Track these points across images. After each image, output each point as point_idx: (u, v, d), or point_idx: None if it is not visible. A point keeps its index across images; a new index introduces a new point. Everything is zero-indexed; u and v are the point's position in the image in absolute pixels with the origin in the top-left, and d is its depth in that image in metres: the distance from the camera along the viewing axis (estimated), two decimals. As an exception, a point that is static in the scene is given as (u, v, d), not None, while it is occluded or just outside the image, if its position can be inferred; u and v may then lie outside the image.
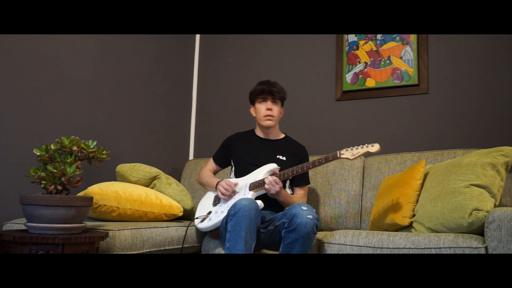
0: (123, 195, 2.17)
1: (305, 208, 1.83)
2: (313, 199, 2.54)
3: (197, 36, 3.50)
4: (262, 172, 2.17)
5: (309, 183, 2.34)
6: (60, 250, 1.62)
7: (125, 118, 2.88)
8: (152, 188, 2.48)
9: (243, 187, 2.17)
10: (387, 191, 2.19)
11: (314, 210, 1.85)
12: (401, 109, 2.75)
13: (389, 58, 2.79)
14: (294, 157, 2.31)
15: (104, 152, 1.85)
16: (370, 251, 1.80)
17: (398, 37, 2.79)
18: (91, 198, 1.80)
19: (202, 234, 2.26)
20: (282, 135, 2.42)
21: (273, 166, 2.19)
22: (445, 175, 1.95)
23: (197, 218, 2.22)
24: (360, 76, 2.86)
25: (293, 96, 3.00)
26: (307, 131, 2.93)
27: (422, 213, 1.92)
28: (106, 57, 2.77)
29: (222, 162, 2.45)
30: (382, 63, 2.81)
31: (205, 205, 2.28)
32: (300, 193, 2.29)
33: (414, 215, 1.99)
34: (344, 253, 1.85)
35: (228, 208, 1.92)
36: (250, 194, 2.10)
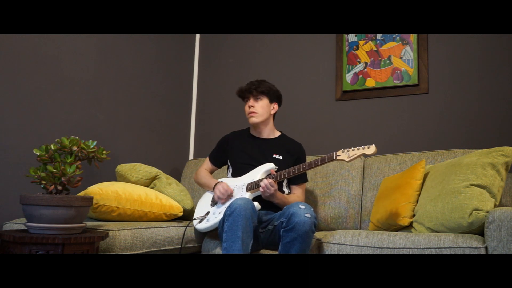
0: (123, 195, 2.17)
1: (303, 206, 1.83)
2: (313, 199, 2.54)
3: (197, 36, 3.50)
4: (260, 172, 2.17)
5: (306, 181, 2.34)
6: (60, 250, 1.62)
7: (125, 118, 2.88)
8: (152, 188, 2.48)
9: (241, 188, 2.17)
10: (387, 191, 2.19)
11: (312, 209, 1.85)
12: (401, 109, 2.75)
13: (389, 58, 2.79)
14: (290, 155, 2.29)
15: (104, 152, 1.85)
16: (370, 251, 1.80)
17: (398, 37, 2.79)
18: (91, 198, 1.80)
19: (202, 234, 2.26)
20: (278, 133, 2.40)
21: (270, 166, 2.19)
22: (445, 175, 1.95)
23: (195, 219, 2.22)
24: (360, 76, 2.86)
25: (293, 96, 3.00)
26: (307, 131, 2.93)
27: (422, 213, 1.92)
28: (106, 57, 2.77)
29: (218, 162, 2.45)
30: (382, 63, 2.81)
31: (203, 205, 2.28)
32: (297, 192, 2.28)
33: (414, 215, 1.99)
34: (344, 253, 1.85)
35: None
36: (248, 195, 2.10)
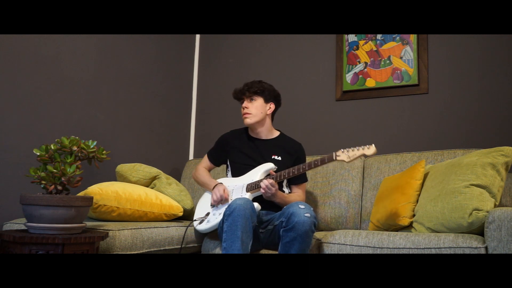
0: (123, 195, 2.17)
1: (302, 206, 1.83)
2: (313, 199, 2.54)
3: (197, 36, 3.50)
4: (259, 173, 2.17)
5: (306, 180, 2.33)
6: (60, 250, 1.62)
7: (125, 118, 2.88)
8: (152, 188, 2.48)
9: (240, 188, 2.17)
10: (387, 191, 2.19)
11: (312, 208, 1.85)
12: (401, 109, 2.75)
13: (389, 58, 2.79)
14: (289, 156, 2.29)
15: (104, 152, 1.85)
16: (370, 251, 1.80)
17: (398, 37, 2.79)
18: (91, 198, 1.80)
19: (202, 234, 2.26)
20: (276, 134, 2.38)
21: (270, 166, 2.18)
22: (445, 175, 1.95)
23: (195, 220, 2.22)
24: (360, 76, 2.86)
25: (293, 96, 3.00)
26: (307, 131, 2.93)
27: (422, 213, 1.92)
28: (106, 57, 2.77)
29: (217, 161, 2.44)
30: (382, 63, 2.81)
31: (203, 206, 2.28)
32: (297, 192, 2.28)
33: (414, 215, 1.99)
34: (344, 253, 1.85)
35: None
36: (247, 195, 2.10)
